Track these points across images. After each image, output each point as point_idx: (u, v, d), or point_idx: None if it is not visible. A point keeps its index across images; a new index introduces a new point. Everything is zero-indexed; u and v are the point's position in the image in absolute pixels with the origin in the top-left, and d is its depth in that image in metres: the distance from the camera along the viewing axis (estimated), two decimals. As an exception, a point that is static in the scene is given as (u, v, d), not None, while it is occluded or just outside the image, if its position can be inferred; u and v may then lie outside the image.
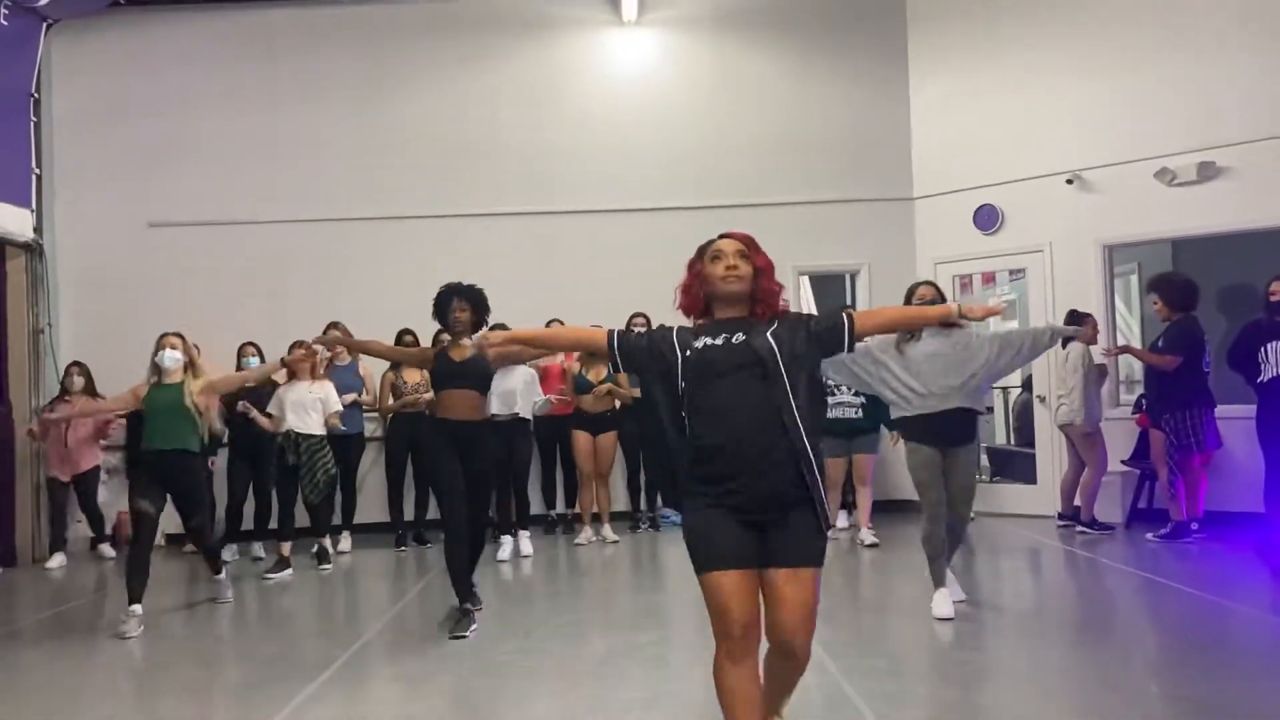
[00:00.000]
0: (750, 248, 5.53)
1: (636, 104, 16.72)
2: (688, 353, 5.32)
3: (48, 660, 9.28)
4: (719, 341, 5.31)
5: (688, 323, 5.63)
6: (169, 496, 10.53)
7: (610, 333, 5.71)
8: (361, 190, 16.40)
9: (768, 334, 5.31)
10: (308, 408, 13.21)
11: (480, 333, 6.24)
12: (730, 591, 5.11)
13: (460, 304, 9.74)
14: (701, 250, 5.60)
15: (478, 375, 9.73)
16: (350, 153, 16.46)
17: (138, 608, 10.11)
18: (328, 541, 13.69)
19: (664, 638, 9.35)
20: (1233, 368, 12.66)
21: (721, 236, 5.60)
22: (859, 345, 8.72)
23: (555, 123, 16.60)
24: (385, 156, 16.48)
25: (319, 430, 13.28)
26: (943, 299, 9.52)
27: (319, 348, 13.21)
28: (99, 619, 10.89)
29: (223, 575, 11.35)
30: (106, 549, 15.06)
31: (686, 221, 14.56)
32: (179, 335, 10.58)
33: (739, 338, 5.30)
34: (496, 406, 12.94)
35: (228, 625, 11.00)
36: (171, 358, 10.38)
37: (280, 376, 13.22)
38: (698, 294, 5.55)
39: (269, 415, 13.33)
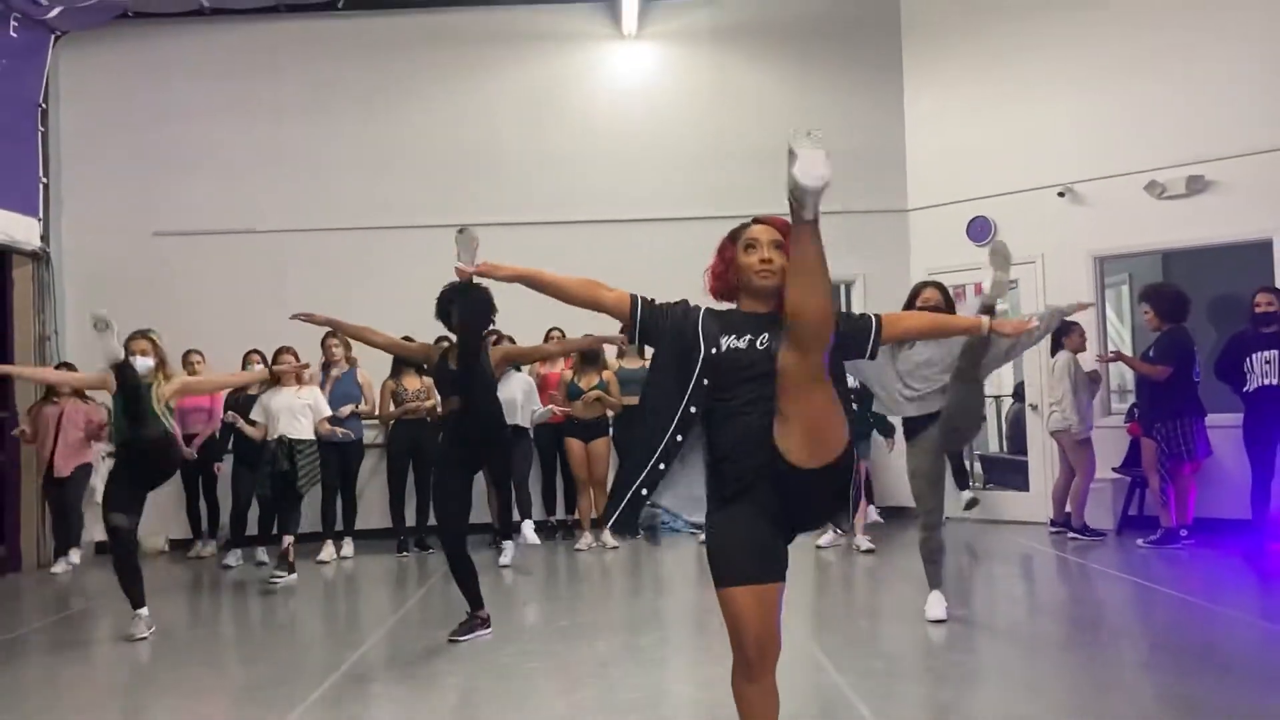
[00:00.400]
0: (786, 235, 4.93)
1: (637, 116, 16.89)
2: (713, 351, 4.86)
3: (51, 665, 9.28)
4: (743, 344, 4.86)
5: (713, 304, 5.15)
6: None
7: (634, 299, 5.12)
8: (365, 200, 16.51)
9: None
10: (297, 413, 13.18)
11: (484, 261, 5.56)
12: (745, 607, 4.76)
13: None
14: (734, 235, 5.12)
15: (471, 383, 9.40)
16: (354, 163, 16.56)
17: (144, 611, 10.01)
18: (291, 549, 13.05)
19: (664, 639, 9.45)
20: (1219, 377, 12.85)
21: (756, 221, 5.10)
22: None
23: (557, 134, 16.74)
24: (388, 166, 16.59)
25: (311, 435, 13.26)
26: (948, 300, 9.49)
27: (307, 366, 13.28)
28: (102, 623, 10.80)
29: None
30: (72, 555, 14.59)
31: (685, 232, 14.73)
32: (148, 338, 10.28)
33: (764, 341, 4.84)
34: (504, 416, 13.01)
35: (232, 631, 11.10)
36: (143, 364, 9.98)
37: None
38: (731, 281, 5.09)
39: (252, 423, 13.34)
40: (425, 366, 11.46)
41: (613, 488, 5.01)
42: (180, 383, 10.46)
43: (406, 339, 12.01)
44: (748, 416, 4.77)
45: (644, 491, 4.90)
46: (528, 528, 13.61)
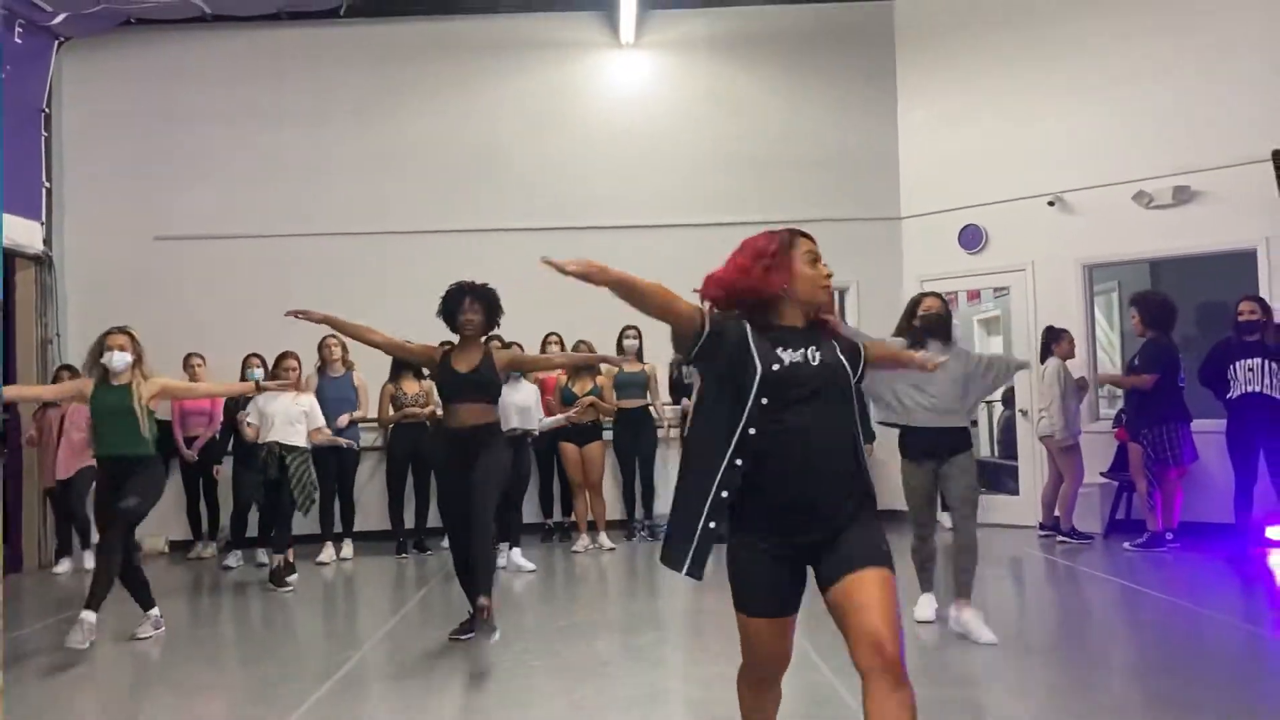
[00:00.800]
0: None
1: (635, 123, 17.03)
2: (774, 367, 4.64)
3: (52, 666, 9.25)
4: (799, 358, 4.70)
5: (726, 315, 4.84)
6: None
7: (702, 315, 4.74)
8: (365, 205, 16.61)
9: (838, 352, 4.84)
10: (293, 419, 13.05)
11: (589, 261, 4.60)
12: (765, 637, 4.82)
13: (473, 305, 9.32)
14: (786, 244, 4.87)
15: (486, 386, 9.32)
16: (355, 168, 16.67)
17: (155, 611, 10.14)
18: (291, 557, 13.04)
19: (662, 639, 9.56)
20: (1204, 384, 13.05)
21: (801, 233, 4.94)
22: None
23: (557, 140, 16.88)
24: (390, 172, 16.70)
25: (304, 442, 13.15)
26: (947, 310, 9.58)
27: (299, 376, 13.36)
28: (104, 624, 10.32)
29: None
30: (87, 560, 14.27)
31: (680, 239, 14.99)
32: (126, 334, 9.97)
33: (814, 354, 4.74)
34: (516, 421, 13.11)
35: (233, 631, 11.18)
36: (121, 359, 9.80)
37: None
38: (753, 288, 4.79)
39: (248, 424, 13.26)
40: (426, 371, 11.45)
41: (675, 528, 4.88)
42: (160, 385, 10.20)
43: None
44: (803, 439, 4.64)
45: (711, 524, 4.71)
46: (517, 555, 13.47)
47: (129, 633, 10.09)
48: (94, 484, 10.74)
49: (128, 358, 9.84)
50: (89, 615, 9.52)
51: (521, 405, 13.27)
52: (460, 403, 9.30)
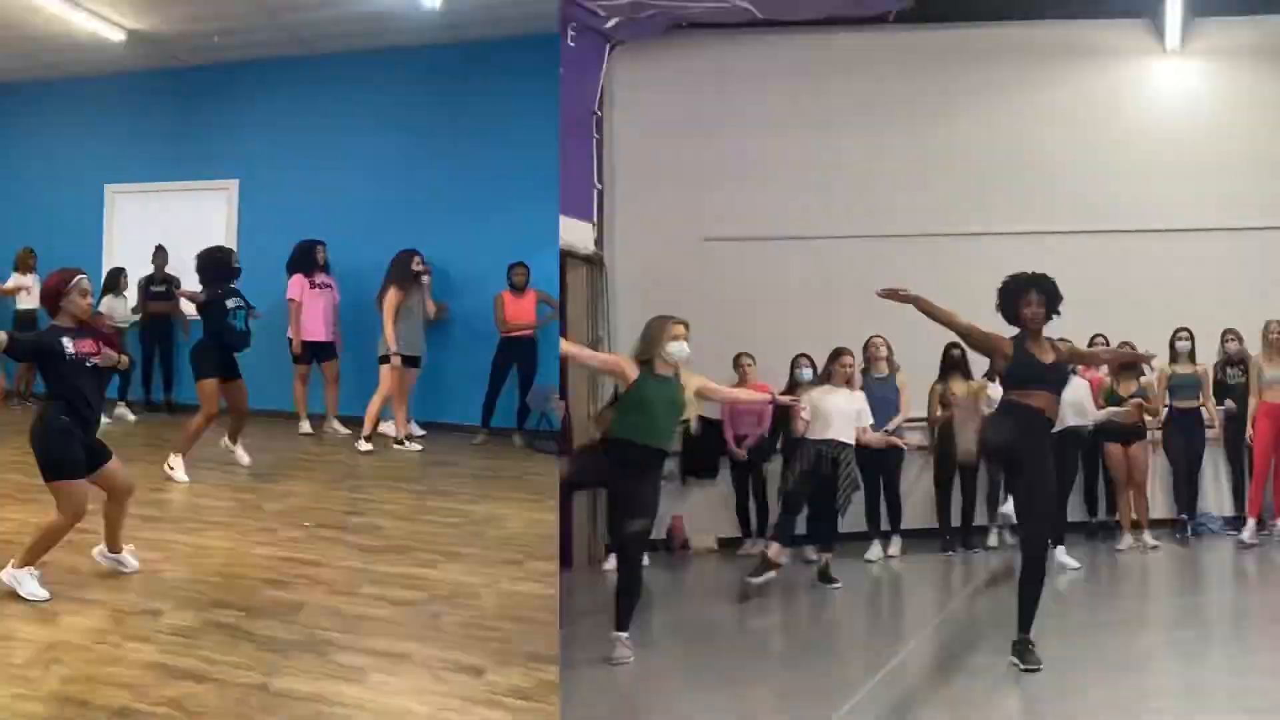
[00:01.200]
0: None
1: (1177, 129, 16.99)
2: None
3: (603, 659, 9.39)
4: None
5: None
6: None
7: None
8: (911, 208, 16.97)
9: None
10: (849, 417, 13.29)
11: None
12: None
13: (1038, 297, 9.09)
14: None
15: (1061, 380, 9.33)
16: (899, 171, 17.09)
17: (623, 635, 9.69)
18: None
19: (1204, 634, 10.20)
20: None
21: None
22: None
23: (1095, 145, 16.92)
24: (932, 174, 17.08)
25: (852, 440, 13.37)
26: None
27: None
28: (654, 617, 11.21)
29: (626, 634, 9.66)
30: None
31: (1221, 243, 15.18)
32: (685, 325, 9.86)
33: None
34: (1071, 417, 13.14)
35: (779, 629, 12.02)
36: (685, 350, 9.70)
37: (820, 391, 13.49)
38: None
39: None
40: (991, 365, 11.71)
41: None
42: (701, 385, 10.21)
43: (954, 346, 12.62)
44: None
45: None
46: (1061, 552, 13.62)
47: (675, 627, 10.78)
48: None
49: (687, 349, 9.82)
50: (620, 635, 9.60)
51: (1074, 401, 13.40)
52: (1036, 388, 9.04)
